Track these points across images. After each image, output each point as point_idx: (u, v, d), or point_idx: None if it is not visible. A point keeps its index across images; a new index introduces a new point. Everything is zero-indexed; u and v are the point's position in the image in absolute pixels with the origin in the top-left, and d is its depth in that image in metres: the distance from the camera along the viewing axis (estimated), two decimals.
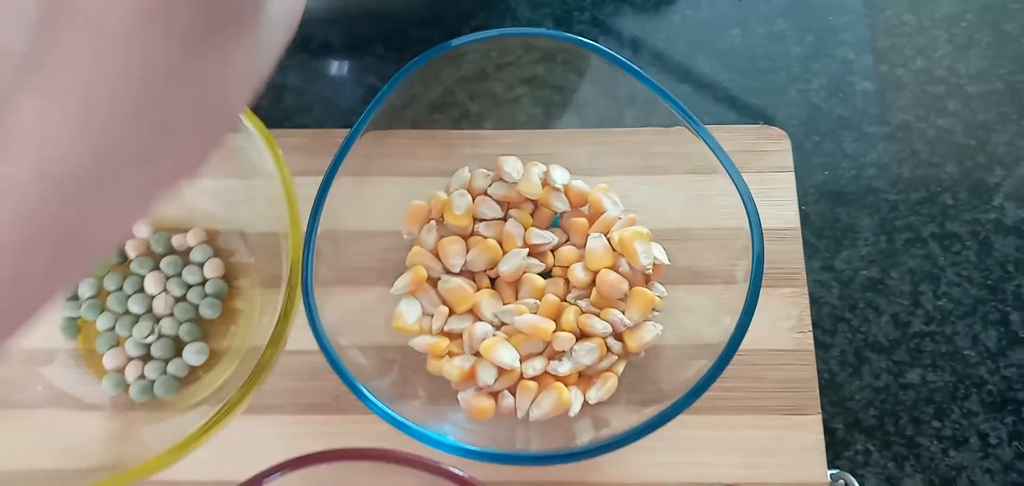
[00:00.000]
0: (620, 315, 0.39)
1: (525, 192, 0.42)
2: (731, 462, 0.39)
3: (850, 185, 0.47)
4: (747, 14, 0.52)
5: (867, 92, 0.49)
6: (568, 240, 0.43)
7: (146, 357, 0.42)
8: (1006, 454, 0.41)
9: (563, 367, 0.39)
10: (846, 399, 0.42)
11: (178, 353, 0.42)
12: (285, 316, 0.37)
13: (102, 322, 0.42)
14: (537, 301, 0.40)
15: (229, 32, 0.21)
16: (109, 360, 0.42)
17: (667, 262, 0.41)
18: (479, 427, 0.38)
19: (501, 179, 0.42)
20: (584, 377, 0.39)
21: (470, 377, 0.39)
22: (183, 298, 0.43)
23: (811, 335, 0.42)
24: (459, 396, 0.39)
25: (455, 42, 0.40)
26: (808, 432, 0.40)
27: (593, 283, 0.40)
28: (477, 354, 0.39)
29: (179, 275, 0.43)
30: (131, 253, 0.44)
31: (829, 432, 0.41)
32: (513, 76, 0.44)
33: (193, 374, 0.42)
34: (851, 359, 0.43)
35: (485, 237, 0.41)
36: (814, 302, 0.44)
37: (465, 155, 0.44)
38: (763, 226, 0.37)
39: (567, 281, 0.41)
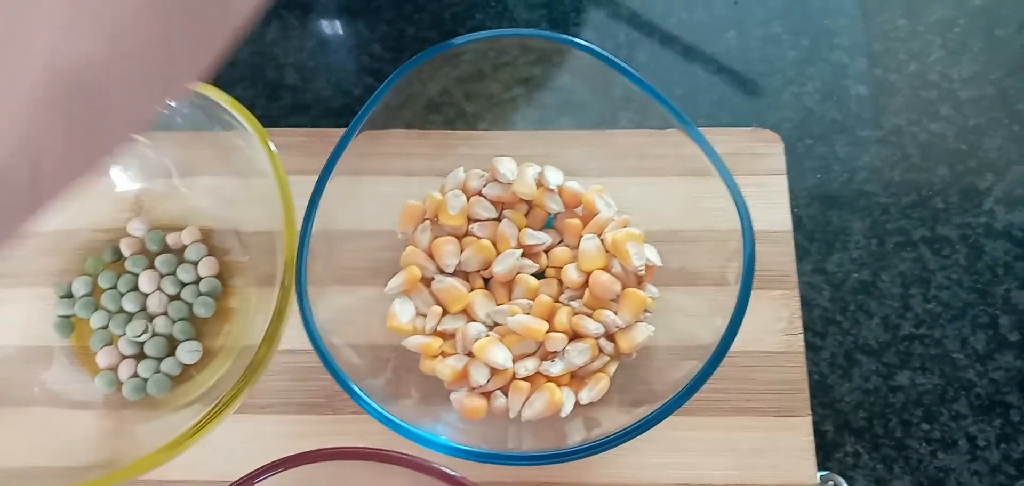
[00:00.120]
0: (612, 316, 0.39)
1: (520, 193, 0.42)
2: (722, 463, 0.39)
3: (842, 188, 0.47)
4: (743, 17, 0.52)
5: (860, 96, 0.50)
6: (562, 241, 0.43)
7: (139, 355, 0.42)
8: (994, 457, 0.41)
9: (555, 367, 0.39)
10: (836, 401, 0.42)
11: (172, 351, 0.42)
12: (279, 315, 0.37)
13: (96, 320, 0.42)
14: (530, 302, 0.40)
15: None
16: (102, 358, 0.42)
17: (659, 263, 0.41)
18: (471, 427, 0.39)
19: (496, 180, 0.42)
20: (576, 378, 0.40)
21: (463, 377, 0.39)
22: (177, 296, 0.43)
23: (802, 337, 0.42)
24: (452, 396, 0.39)
25: (453, 42, 0.41)
26: (798, 434, 0.40)
27: (586, 284, 0.40)
28: (470, 354, 0.39)
29: (173, 273, 0.43)
30: (125, 251, 0.44)
31: (819, 434, 0.41)
32: (510, 77, 0.44)
33: (186, 373, 0.42)
34: (841, 361, 0.43)
35: (479, 237, 0.42)
36: (805, 304, 0.44)
37: (460, 155, 0.44)
38: (755, 228, 0.37)
39: (560, 282, 0.41)
